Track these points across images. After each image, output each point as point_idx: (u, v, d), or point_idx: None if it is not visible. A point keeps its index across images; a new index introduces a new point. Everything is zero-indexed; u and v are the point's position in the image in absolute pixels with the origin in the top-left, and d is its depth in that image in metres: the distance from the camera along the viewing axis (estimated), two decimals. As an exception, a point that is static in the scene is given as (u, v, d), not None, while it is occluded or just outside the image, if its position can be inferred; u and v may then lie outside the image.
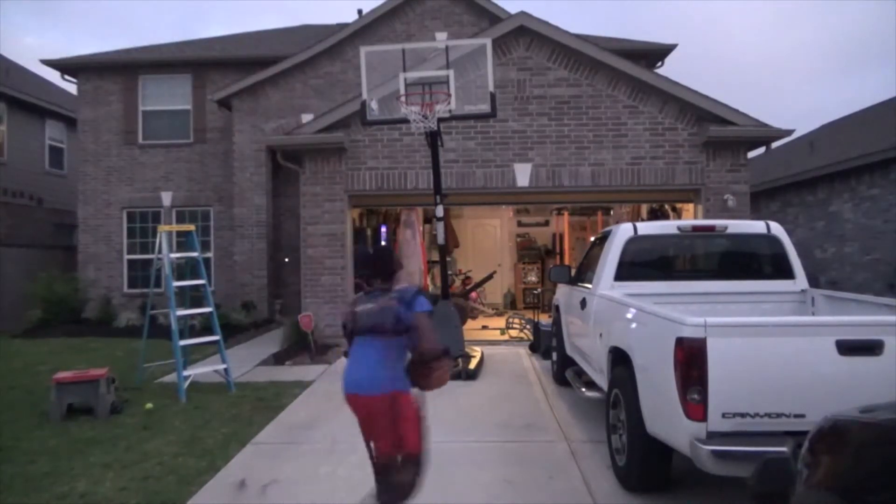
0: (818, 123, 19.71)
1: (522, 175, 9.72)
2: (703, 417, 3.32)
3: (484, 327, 11.65)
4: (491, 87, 7.55)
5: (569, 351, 6.58)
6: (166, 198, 13.85)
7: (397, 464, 3.29)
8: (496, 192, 10.01)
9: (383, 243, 12.03)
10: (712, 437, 3.31)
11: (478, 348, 8.71)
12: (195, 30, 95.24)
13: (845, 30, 76.11)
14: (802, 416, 3.27)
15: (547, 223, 15.14)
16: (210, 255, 13.47)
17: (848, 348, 3.32)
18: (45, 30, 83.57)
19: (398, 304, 3.21)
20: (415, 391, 3.32)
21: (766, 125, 9.42)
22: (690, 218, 9.88)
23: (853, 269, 12.75)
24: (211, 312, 7.36)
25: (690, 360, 3.34)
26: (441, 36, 12.33)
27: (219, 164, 13.77)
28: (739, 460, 3.17)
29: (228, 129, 13.44)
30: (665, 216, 11.07)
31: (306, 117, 11.89)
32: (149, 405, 6.27)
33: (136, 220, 14.00)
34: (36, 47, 69.06)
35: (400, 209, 11.68)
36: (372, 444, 3.33)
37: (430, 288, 11.89)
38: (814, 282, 5.93)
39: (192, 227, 7.67)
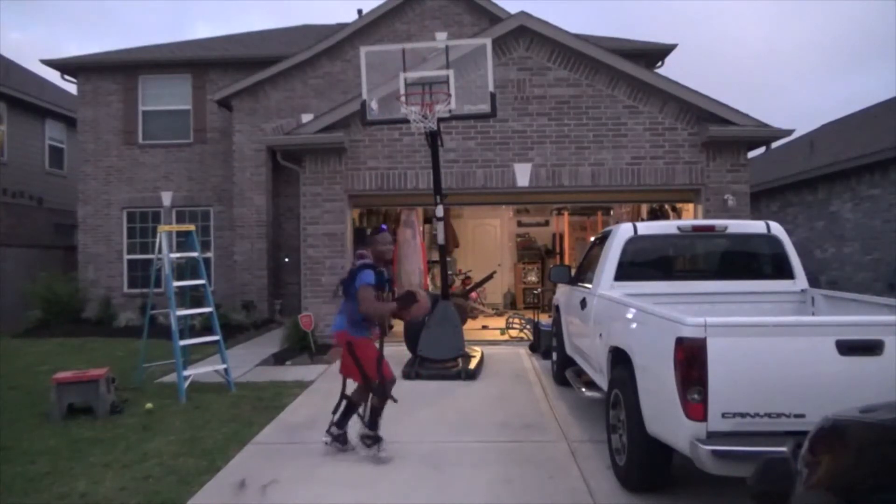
0: (818, 123, 19.72)
1: (522, 175, 9.72)
2: (703, 417, 3.32)
3: (484, 327, 11.65)
4: (491, 87, 7.55)
5: (569, 351, 6.58)
6: (166, 198, 13.85)
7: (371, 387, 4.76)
8: (496, 192, 10.01)
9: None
10: (712, 437, 3.31)
11: (478, 348, 8.70)
12: (181, 28, 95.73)
13: (845, 29, 76.18)
14: (802, 416, 3.27)
15: (547, 223, 15.14)
16: (210, 255, 13.47)
17: (848, 348, 3.31)
18: (30, 26, 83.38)
19: (348, 276, 4.75)
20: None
21: (766, 125, 9.42)
22: (690, 218, 9.88)
23: (853, 269, 12.75)
24: (211, 312, 7.35)
25: (690, 360, 3.34)
26: (441, 36, 12.33)
27: (219, 164, 13.77)
28: (739, 460, 3.17)
29: (228, 129, 13.44)
30: (665, 216, 11.07)
31: (306, 117, 11.89)
32: (149, 405, 6.26)
33: (136, 220, 14.01)
34: (22, 42, 69.22)
35: (400, 209, 11.68)
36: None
37: (430, 288, 11.89)
38: (814, 282, 5.93)
39: (192, 227, 7.67)
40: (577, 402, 6.24)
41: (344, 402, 4.85)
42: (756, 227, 5.70)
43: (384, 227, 5.06)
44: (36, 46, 71.93)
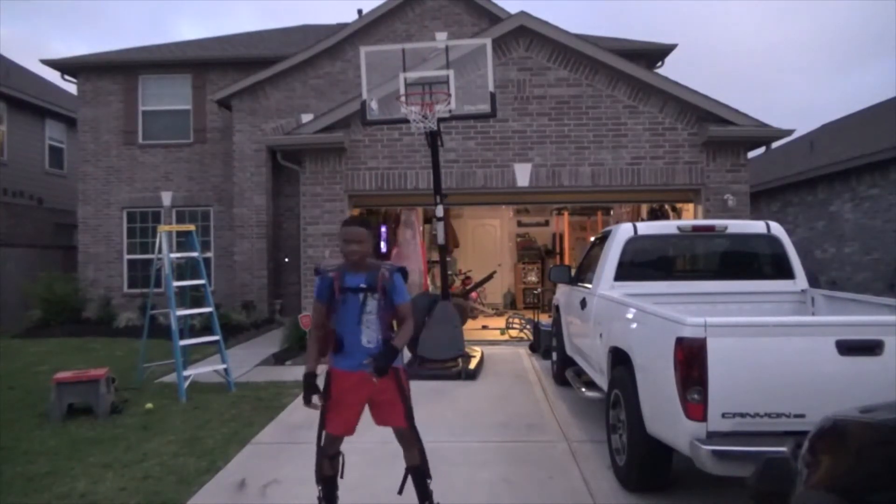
0: (818, 120, 19.74)
1: (522, 175, 9.71)
2: (703, 417, 3.32)
3: (484, 327, 11.65)
4: (491, 87, 7.54)
5: (569, 351, 6.58)
6: (166, 198, 13.85)
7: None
8: (496, 192, 10.01)
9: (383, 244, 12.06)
10: (712, 437, 3.31)
11: (478, 348, 8.70)
12: (166, 27, 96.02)
13: (846, 27, 76.18)
14: (802, 416, 3.27)
15: (547, 223, 15.15)
16: (210, 255, 13.47)
17: (848, 348, 3.31)
18: (13, 23, 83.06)
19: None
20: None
21: (766, 125, 9.41)
22: (690, 218, 9.87)
23: (853, 269, 12.75)
24: (211, 312, 7.35)
25: (690, 360, 3.34)
26: (441, 36, 12.33)
27: (219, 164, 13.77)
28: (739, 460, 3.17)
29: (228, 129, 13.44)
30: (665, 216, 11.07)
31: (306, 117, 11.90)
32: (149, 405, 6.27)
33: (136, 220, 14.01)
34: (7, 38, 69.23)
35: (400, 209, 11.68)
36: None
37: (430, 288, 11.89)
38: (814, 282, 5.93)
39: (192, 227, 7.67)
40: (577, 402, 6.24)
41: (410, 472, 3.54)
42: (756, 227, 5.70)
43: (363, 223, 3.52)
44: (21, 44, 71.93)
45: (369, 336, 3.37)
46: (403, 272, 3.50)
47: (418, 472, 3.52)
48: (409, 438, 3.50)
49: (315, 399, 3.35)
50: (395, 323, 3.52)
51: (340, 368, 3.39)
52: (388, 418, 3.48)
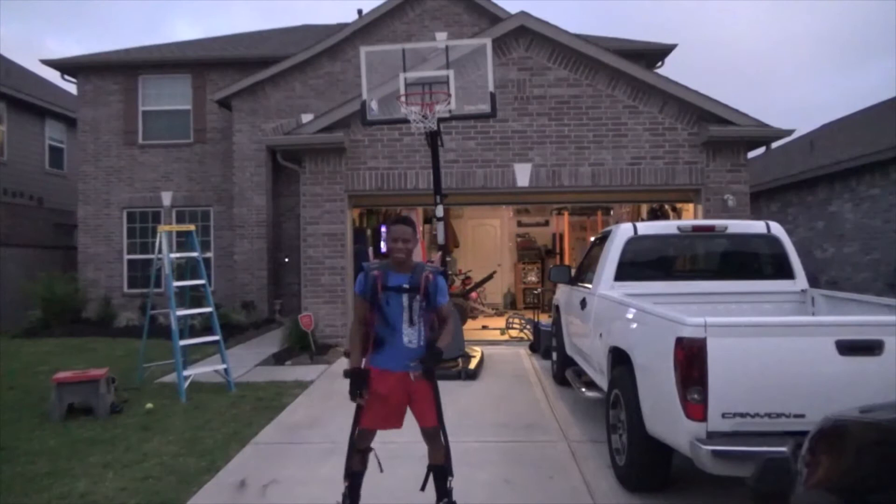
0: (818, 120, 19.74)
1: (522, 175, 9.71)
2: (703, 417, 3.32)
3: (484, 327, 11.65)
4: (491, 87, 7.54)
5: (569, 351, 6.58)
6: (166, 198, 13.86)
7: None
8: (496, 192, 10.01)
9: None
10: (712, 437, 3.31)
11: (478, 348, 8.70)
12: (160, 27, 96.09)
13: (846, 26, 76.21)
14: (802, 416, 3.27)
15: (547, 223, 15.15)
16: (210, 255, 13.47)
17: (848, 348, 3.32)
18: (15, 23, 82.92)
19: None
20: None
21: (766, 125, 9.41)
22: (690, 218, 9.87)
23: (853, 269, 12.75)
24: (211, 312, 7.36)
25: (690, 359, 3.34)
26: (441, 36, 12.32)
27: (219, 164, 13.77)
28: (739, 460, 3.17)
29: (228, 129, 13.44)
30: (665, 216, 11.07)
31: (306, 117, 11.89)
32: (149, 405, 6.27)
33: (136, 220, 14.01)
34: (7, 38, 69.25)
35: (400, 209, 11.68)
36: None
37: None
38: (814, 282, 5.93)
39: (192, 227, 7.68)
40: (577, 402, 6.24)
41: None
42: (756, 227, 5.71)
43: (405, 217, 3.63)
44: (20, 44, 71.83)
45: (411, 336, 3.43)
46: (444, 274, 3.52)
47: (441, 470, 3.58)
48: (438, 438, 3.56)
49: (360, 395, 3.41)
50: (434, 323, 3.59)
51: (378, 367, 3.44)
52: (420, 418, 3.54)
